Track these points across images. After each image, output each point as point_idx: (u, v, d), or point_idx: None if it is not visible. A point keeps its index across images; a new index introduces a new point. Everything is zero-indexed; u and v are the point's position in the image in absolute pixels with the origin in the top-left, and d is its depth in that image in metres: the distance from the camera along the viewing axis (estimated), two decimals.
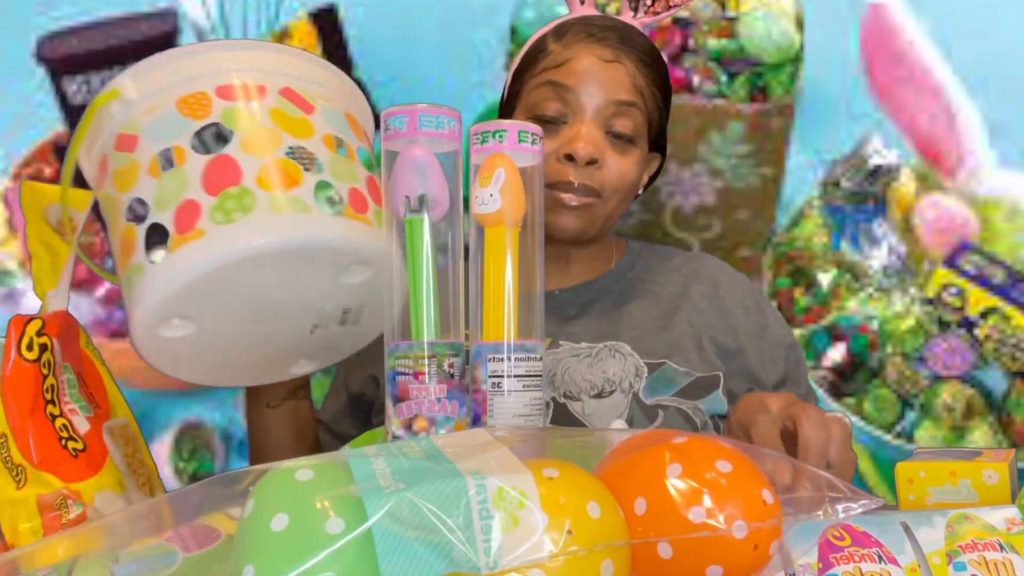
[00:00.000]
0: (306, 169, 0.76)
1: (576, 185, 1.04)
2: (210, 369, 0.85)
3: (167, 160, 0.76)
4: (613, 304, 1.11)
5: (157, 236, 0.74)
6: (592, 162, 1.04)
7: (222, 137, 0.76)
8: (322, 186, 0.77)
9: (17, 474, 0.72)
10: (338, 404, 1.16)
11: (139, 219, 0.76)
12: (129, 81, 0.82)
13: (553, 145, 1.03)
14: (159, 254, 0.74)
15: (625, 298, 1.12)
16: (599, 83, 1.04)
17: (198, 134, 0.77)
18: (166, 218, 0.74)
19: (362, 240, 0.78)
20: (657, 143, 1.13)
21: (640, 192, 1.13)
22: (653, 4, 1.11)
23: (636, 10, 1.11)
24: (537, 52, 1.09)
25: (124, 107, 0.81)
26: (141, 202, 0.76)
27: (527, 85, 1.08)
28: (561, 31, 1.08)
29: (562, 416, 1.00)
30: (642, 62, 1.07)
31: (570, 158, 1.03)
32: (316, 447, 1.06)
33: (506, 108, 1.12)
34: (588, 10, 1.11)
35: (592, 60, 1.04)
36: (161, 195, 0.75)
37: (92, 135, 0.83)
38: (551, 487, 0.48)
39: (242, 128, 0.77)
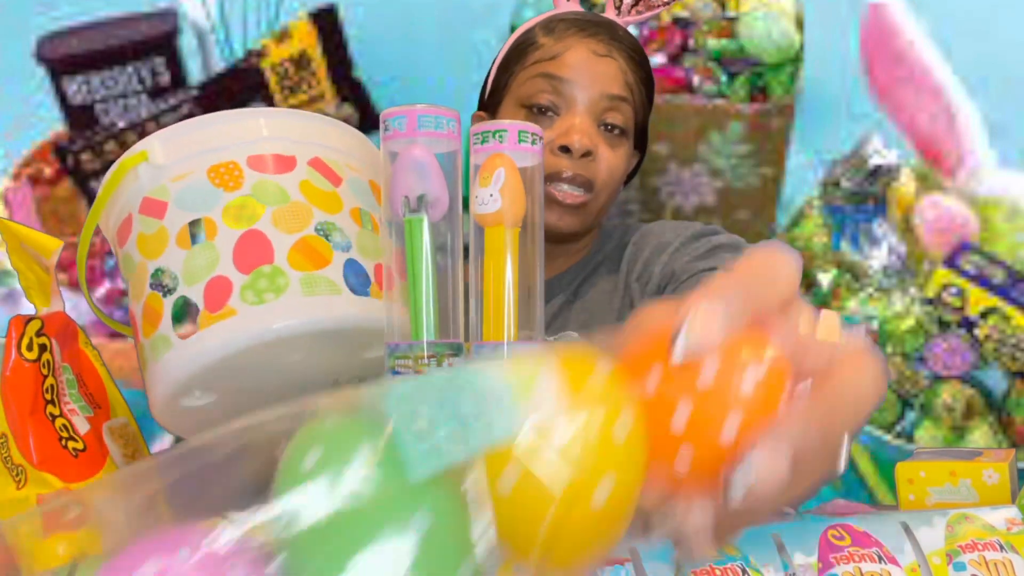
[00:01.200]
0: (335, 247, 0.76)
1: (571, 176, 1.04)
2: None
3: (196, 231, 0.76)
4: (573, 293, 1.12)
5: (186, 311, 0.74)
6: (587, 154, 1.04)
7: (250, 212, 0.76)
8: (350, 265, 0.77)
9: (17, 474, 0.72)
10: None
11: (166, 291, 0.76)
12: (158, 144, 0.81)
13: (547, 137, 1.04)
14: (188, 329, 0.74)
15: (587, 283, 1.13)
16: (593, 76, 1.05)
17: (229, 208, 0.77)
18: (195, 293, 0.74)
19: (379, 320, 0.78)
20: (638, 141, 1.14)
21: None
22: (636, 4, 1.12)
23: (619, 9, 1.12)
24: (527, 45, 1.09)
25: (152, 171, 0.80)
26: (169, 273, 0.76)
27: (517, 78, 1.08)
28: (550, 26, 1.09)
29: None
30: (631, 58, 1.08)
31: (565, 149, 1.03)
32: None
33: (490, 102, 1.12)
34: (573, 6, 1.12)
35: (586, 53, 1.05)
36: (190, 270, 0.75)
37: (117, 194, 0.82)
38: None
39: (272, 202, 0.77)
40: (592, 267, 1.16)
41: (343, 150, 0.82)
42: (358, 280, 0.76)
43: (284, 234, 0.75)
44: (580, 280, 1.15)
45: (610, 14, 1.12)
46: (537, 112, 1.05)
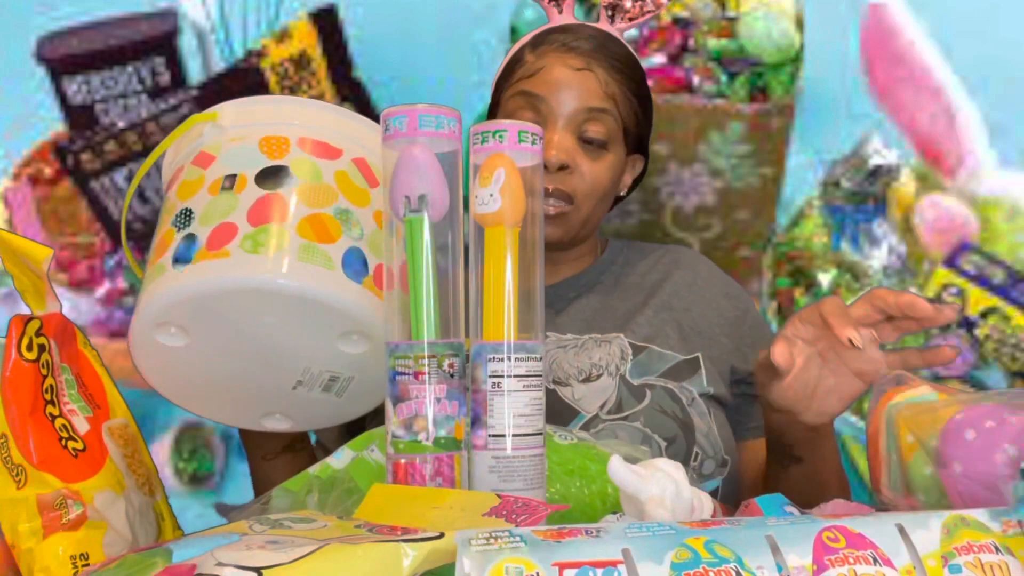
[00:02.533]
0: (347, 232, 0.79)
1: (550, 190, 1.06)
2: (188, 392, 0.87)
3: (228, 183, 0.80)
4: (597, 296, 1.13)
5: (190, 246, 0.78)
6: (564, 168, 1.06)
7: (284, 179, 0.80)
8: (354, 252, 0.80)
9: (17, 474, 0.72)
10: (336, 429, 1.13)
11: (181, 226, 0.80)
12: (230, 109, 0.86)
13: None
14: (183, 264, 0.78)
15: (609, 290, 1.14)
16: (569, 91, 1.06)
17: (265, 171, 0.81)
18: (203, 232, 0.78)
19: (370, 313, 0.80)
20: (639, 146, 1.14)
21: (624, 194, 1.15)
22: (630, 10, 1.13)
23: (613, 18, 1.12)
24: (515, 63, 1.12)
25: (215, 130, 0.85)
26: (190, 212, 0.80)
27: (504, 95, 1.11)
28: (537, 41, 1.11)
29: (553, 402, 1.02)
30: (614, 68, 1.09)
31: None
32: None
33: (490, 117, 1.16)
34: (567, 19, 1.13)
35: (562, 69, 1.07)
36: (208, 211, 0.79)
37: (178, 145, 0.88)
38: None
39: (305, 177, 0.81)
40: (610, 275, 1.17)
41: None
42: (355, 267, 0.79)
43: (304, 205, 0.79)
44: (600, 285, 1.15)
45: (604, 24, 1.12)
46: None
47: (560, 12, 1.13)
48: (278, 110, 0.86)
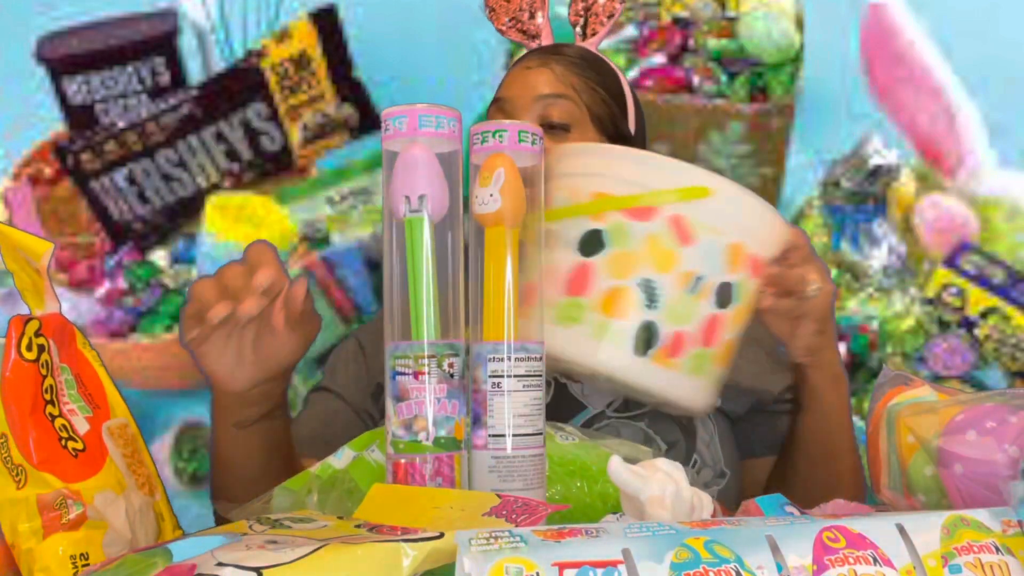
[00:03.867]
0: (646, 305, 0.80)
1: None
2: None
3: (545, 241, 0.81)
4: None
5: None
6: None
7: (599, 244, 0.81)
8: (646, 327, 0.80)
9: (17, 474, 0.72)
10: (359, 384, 1.14)
11: None
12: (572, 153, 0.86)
13: None
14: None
15: None
16: (525, 85, 1.11)
17: (586, 237, 0.82)
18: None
19: (651, 387, 0.82)
20: (620, 138, 1.16)
21: None
22: (596, 21, 1.18)
23: (585, 34, 1.19)
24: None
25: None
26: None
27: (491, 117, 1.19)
28: (511, 64, 1.19)
29: (561, 395, 1.03)
30: (573, 64, 1.15)
31: None
32: (290, 467, 0.95)
33: None
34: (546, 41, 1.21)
35: (519, 71, 1.13)
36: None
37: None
38: None
39: (617, 246, 0.81)
40: None
41: (716, 212, 0.84)
42: (645, 343, 0.80)
43: (610, 278, 0.80)
44: None
45: (579, 43, 1.20)
46: None
47: (534, 40, 1.23)
48: (593, 160, 0.85)
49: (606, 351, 0.80)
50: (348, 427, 1.08)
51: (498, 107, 1.13)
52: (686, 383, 0.83)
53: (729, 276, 0.83)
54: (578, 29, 1.19)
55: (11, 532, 0.71)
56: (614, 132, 1.15)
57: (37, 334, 0.75)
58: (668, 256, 0.81)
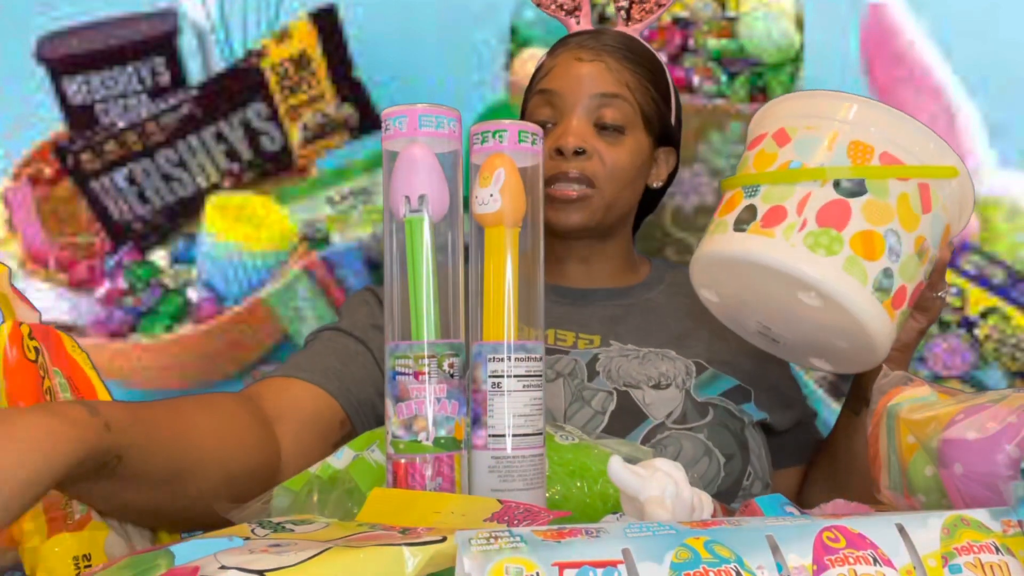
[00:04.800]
0: (888, 254, 0.88)
1: (568, 174, 1.09)
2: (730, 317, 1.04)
3: (800, 170, 0.90)
4: (652, 312, 1.16)
5: (748, 214, 0.90)
6: (580, 152, 1.09)
7: (858, 189, 0.88)
8: (885, 273, 0.88)
9: None
10: (379, 334, 1.04)
11: (749, 194, 0.92)
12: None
13: (546, 145, 1.08)
14: (741, 227, 0.90)
15: (662, 307, 1.17)
16: (579, 80, 1.11)
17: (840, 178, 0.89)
18: (763, 208, 0.90)
19: (878, 329, 0.90)
20: (667, 138, 1.17)
21: (657, 186, 1.19)
22: (642, 7, 1.16)
23: (628, 19, 1.16)
24: (536, 70, 1.17)
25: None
26: (756, 188, 0.91)
27: (529, 102, 1.16)
28: (554, 48, 1.16)
29: (626, 403, 1.04)
30: (626, 58, 1.12)
31: (559, 152, 1.08)
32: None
33: None
34: (585, 26, 1.17)
35: (571, 62, 1.12)
36: (772, 191, 0.90)
37: (774, 110, 0.97)
38: None
39: (874, 192, 0.88)
40: (661, 293, 1.19)
41: (949, 191, 0.92)
42: (883, 287, 0.88)
43: (863, 219, 0.88)
44: (652, 301, 1.18)
45: (620, 27, 1.17)
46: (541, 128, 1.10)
47: (578, 23, 1.18)
48: (866, 112, 0.91)
49: (849, 283, 0.87)
50: (369, 372, 1.03)
51: (545, 99, 1.11)
52: (893, 336, 0.91)
53: (935, 251, 0.93)
54: (622, 13, 1.17)
55: (16, 530, 0.71)
56: (660, 131, 1.16)
57: (31, 337, 0.75)
58: (914, 218, 0.89)
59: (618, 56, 1.11)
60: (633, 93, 1.11)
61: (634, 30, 1.15)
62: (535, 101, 1.12)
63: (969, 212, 0.96)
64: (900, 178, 0.89)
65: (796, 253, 0.87)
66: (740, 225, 0.91)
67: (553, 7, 1.18)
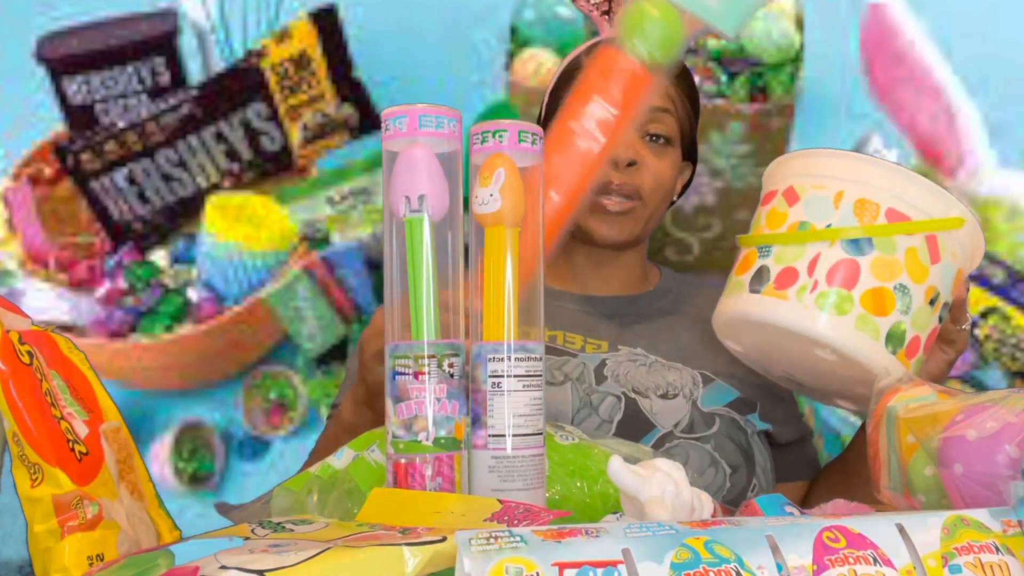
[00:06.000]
0: (898, 308, 0.90)
1: (619, 186, 1.09)
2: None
3: (809, 232, 0.92)
4: (661, 320, 1.16)
5: (762, 274, 0.93)
6: (631, 164, 1.09)
7: (864, 247, 0.90)
8: (897, 326, 0.90)
9: (34, 472, 0.71)
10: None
11: (762, 254, 0.94)
12: (822, 156, 0.95)
13: None
14: (755, 287, 0.93)
15: (671, 316, 1.17)
16: None
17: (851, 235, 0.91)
18: (775, 269, 0.92)
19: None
20: (688, 152, 1.18)
21: (675, 199, 1.19)
22: None
23: None
24: (573, 70, 1.17)
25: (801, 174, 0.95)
26: (767, 248, 0.94)
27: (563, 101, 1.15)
28: (593, 50, 1.15)
29: (633, 411, 1.05)
30: (671, 73, 1.13)
31: (611, 161, 1.09)
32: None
33: (546, 125, 1.20)
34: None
35: None
36: (782, 252, 0.92)
37: (787, 164, 0.98)
38: None
39: (880, 251, 0.90)
40: (670, 302, 1.19)
41: (959, 239, 0.93)
42: (895, 340, 0.90)
43: (872, 276, 0.90)
44: (662, 310, 1.18)
45: None
46: None
47: (611, 25, 1.19)
48: (870, 170, 0.93)
49: (861, 340, 0.89)
50: None
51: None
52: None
53: (948, 298, 0.94)
54: None
55: (27, 531, 0.71)
56: (689, 145, 1.17)
57: (21, 342, 0.74)
58: (923, 270, 0.91)
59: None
60: (677, 108, 1.13)
61: None
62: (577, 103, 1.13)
63: (981, 251, 0.97)
64: (907, 233, 0.91)
65: (809, 314, 0.90)
66: (755, 287, 0.93)
67: (588, 6, 1.18)
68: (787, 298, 0.91)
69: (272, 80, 1.65)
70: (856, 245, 0.90)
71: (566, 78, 1.16)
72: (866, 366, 0.90)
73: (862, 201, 0.91)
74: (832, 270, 0.90)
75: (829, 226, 0.91)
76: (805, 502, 1.18)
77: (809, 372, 0.98)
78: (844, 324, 0.89)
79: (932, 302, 0.92)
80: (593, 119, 0.89)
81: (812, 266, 0.91)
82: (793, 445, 1.16)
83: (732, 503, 1.03)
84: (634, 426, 1.03)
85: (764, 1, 0.91)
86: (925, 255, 0.91)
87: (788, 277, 0.91)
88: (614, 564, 0.50)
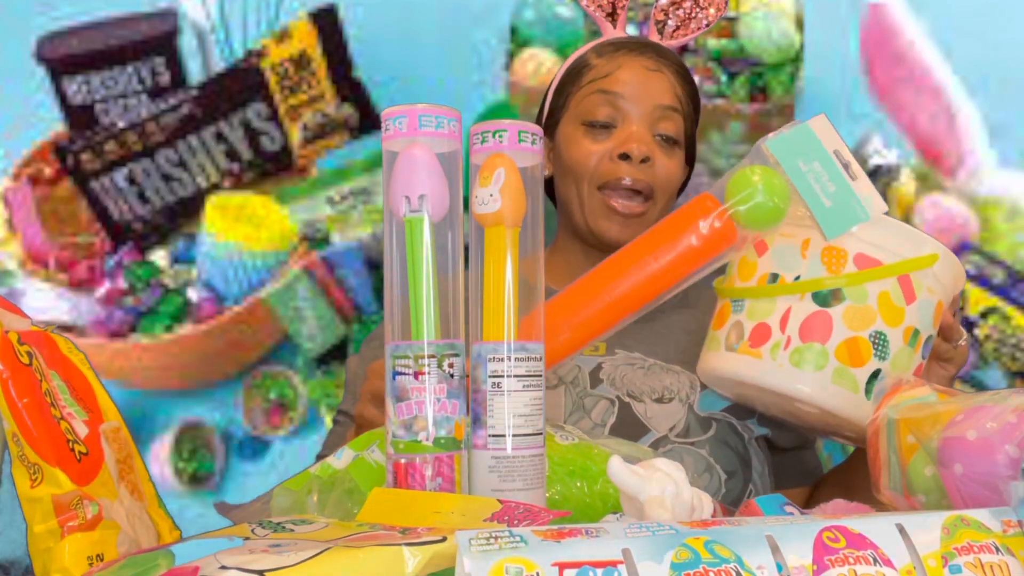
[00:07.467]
0: (875, 355, 0.88)
1: (631, 181, 1.10)
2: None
3: (773, 281, 0.90)
4: (659, 325, 1.15)
5: (737, 331, 0.92)
6: (645, 160, 1.10)
7: (835, 299, 0.88)
8: (875, 375, 0.88)
9: (34, 472, 0.71)
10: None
11: (736, 308, 0.93)
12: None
13: (606, 147, 1.11)
14: (731, 344, 0.92)
15: (669, 320, 1.17)
16: (646, 89, 1.13)
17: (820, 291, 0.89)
18: (748, 326, 0.91)
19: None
20: (689, 153, 1.19)
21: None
22: (677, 29, 1.18)
23: (662, 32, 1.18)
24: (581, 67, 1.17)
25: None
26: (741, 303, 0.92)
27: (574, 98, 1.16)
28: (600, 49, 1.18)
29: (626, 415, 1.05)
30: (678, 73, 1.16)
31: (625, 156, 1.10)
32: None
33: (548, 124, 1.20)
34: (620, 33, 1.18)
35: (638, 69, 1.14)
36: (756, 308, 0.91)
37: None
38: None
39: (852, 300, 0.88)
40: (671, 300, 1.19)
41: (934, 274, 0.91)
42: (875, 390, 0.87)
43: (845, 327, 0.88)
44: (661, 310, 1.17)
45: (654, 38, 1.18)
46: (596, 127, 1.12)
47: (615, 27, 1.20)
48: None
49: (839, 394, 0.88)
50: None
51: (608, 99, 1.11)
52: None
53: (932, 331, 0.92)
54: (669, 24, 1.17)
55: (27, 531, 0.72)
56: (690, 146, 1.18)
57: (20, 342, 0.75)
58: (898, 312, 0.88)
59: (674, 70, 1.14)
60: (684, 109, 1.14)
61: (668, 44, 1.17)
62: (594, 99, 1.12)
63: (962, 279, 0.95)
64: (877, 279, 0.88)
65: (784, 373, 0.88)
66: (731, 343, 0.92)
67: (593, 7, 1.19)
68: (761, 356, 0.89)
69: (272, 80, 1.64)
70: (827, 296, 0.88)
71: (573, 75, 1.16)
72: (847, 417, 0.89)
73: (829, 249, 0.89)
74: (804, 325, 0.88)
75: (798, 278, 0.89)
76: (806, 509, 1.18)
77: (797, 419, 0.98)
78: (821, 380, 0.87)
79: (912, 342, 0.90)
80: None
81: (784, 322, 0.89)
82: (794, 450, 1.16)
83: None
84: (627, 430, 1.03)
85: (868, 216, 0.88)
86: (899, 297, 0.88)
87: (761, 334, 0.89)
88: (614, 564, 0.50)
